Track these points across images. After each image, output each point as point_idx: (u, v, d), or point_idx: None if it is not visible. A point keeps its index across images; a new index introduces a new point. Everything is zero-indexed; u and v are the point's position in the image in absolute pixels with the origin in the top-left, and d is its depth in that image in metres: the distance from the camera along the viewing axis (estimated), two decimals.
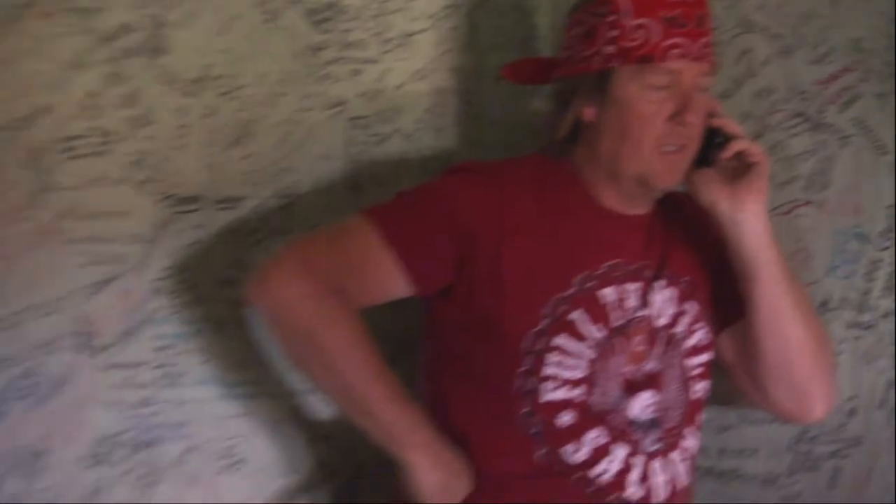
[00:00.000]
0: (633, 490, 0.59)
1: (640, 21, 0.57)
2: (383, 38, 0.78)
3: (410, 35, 0.79)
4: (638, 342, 0.60)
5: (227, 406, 0.70)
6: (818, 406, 0.64)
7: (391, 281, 0.59)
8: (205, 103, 0.67)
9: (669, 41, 0.57)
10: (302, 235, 0.69)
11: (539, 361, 0.57)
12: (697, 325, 0.64)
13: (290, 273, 0.58)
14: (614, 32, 0.57)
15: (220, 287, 0.69)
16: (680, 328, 0.63)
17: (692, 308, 0.64)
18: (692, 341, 0.64)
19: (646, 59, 0.57)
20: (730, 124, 0.62)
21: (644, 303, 0.61)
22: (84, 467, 0.63)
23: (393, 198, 0.63)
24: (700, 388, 0.64)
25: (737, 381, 0.68)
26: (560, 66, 0.63)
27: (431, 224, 0.60)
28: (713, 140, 0.62)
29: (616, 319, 0.59)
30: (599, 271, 0.60)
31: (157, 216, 0.65)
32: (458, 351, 0.61)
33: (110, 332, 0.63)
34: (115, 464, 0.64)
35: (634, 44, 0.57)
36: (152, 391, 0.66)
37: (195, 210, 0.67)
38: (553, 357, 0.57)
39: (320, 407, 0.74)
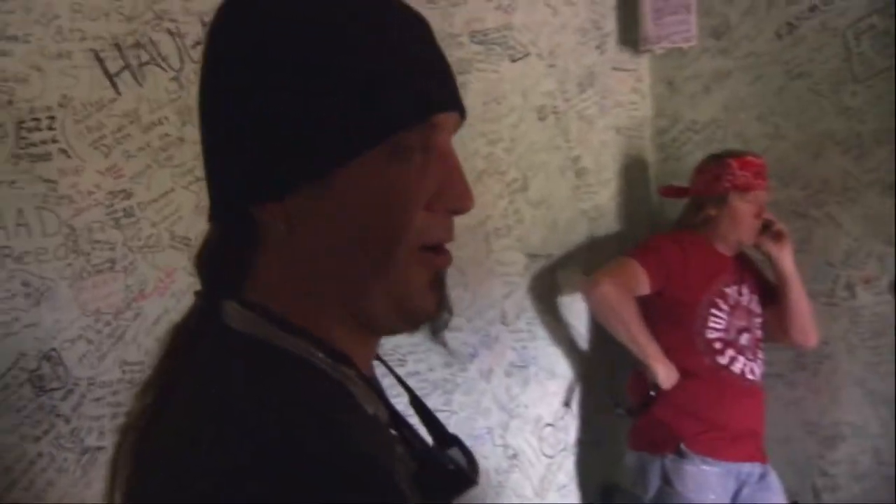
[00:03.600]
0: (750, 377, 2.06)
1: None
2: None
3: None
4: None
5: None
6: (812, 340, 2.14)
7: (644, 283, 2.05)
8: None
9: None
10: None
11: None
12: (758, 305, 2.16)
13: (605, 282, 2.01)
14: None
15: None
16: (754, 306, 2.14)
17: (755, 297, 2.15)
18: (758, 311, 2.15)
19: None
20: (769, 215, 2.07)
21: (741, 293, 2.11)
22: None
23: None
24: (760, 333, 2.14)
25: (771, 330, 2.16)
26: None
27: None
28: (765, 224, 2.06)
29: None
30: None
31: None
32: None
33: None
34: None
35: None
36: None
37: None
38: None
39: None
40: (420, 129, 0.59)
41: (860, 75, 2.12)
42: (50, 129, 1.31)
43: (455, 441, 0.71)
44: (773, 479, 2.10)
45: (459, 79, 1.95)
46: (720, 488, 2.04)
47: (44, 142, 1.31)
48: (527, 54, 2.18)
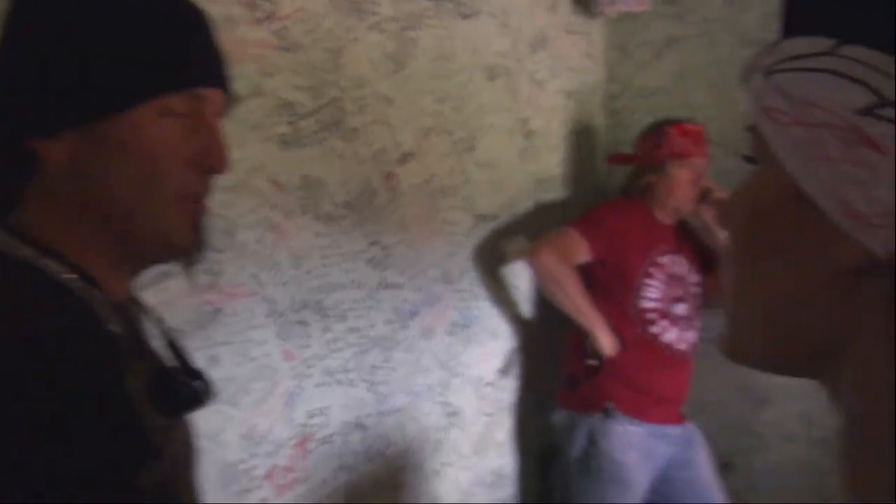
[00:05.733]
0: (680, 346, 2.11)
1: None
2: None
3: None
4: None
5: None
6: None
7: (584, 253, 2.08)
8: None
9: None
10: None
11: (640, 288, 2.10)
12: (696, 275, 2.19)
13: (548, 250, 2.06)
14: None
15: None
16: (691, 276, 2.19)
17: (692, 266, 2.19)
18: (695, 281, 2.19)
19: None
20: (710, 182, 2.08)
21: (677, 263, 2.14)
22: None
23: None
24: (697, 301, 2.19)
25: (710, 297, 2.17)
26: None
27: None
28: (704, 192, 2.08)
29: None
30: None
31: None
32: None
33: None
34: None
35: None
36: None
37: None
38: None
39: None
40: (185, 96, 0.72)
41: None
42: None
43: (198, 375, 0.83)
44: (698, 438, 2.18)
45: (409, 34, 1.94)
46: (643, 447, 2.11)
47: None
48: (478, 12, 2.15)
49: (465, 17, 2.11)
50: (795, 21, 0.43)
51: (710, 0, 2.31)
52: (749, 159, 0.47)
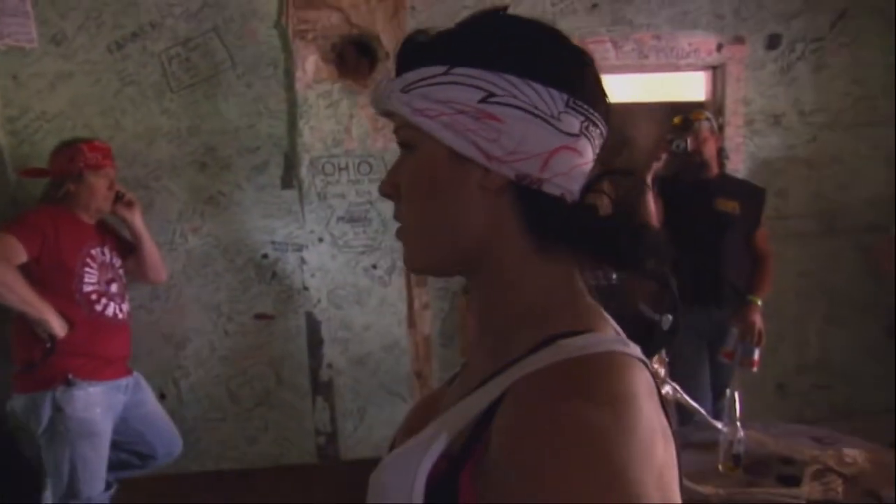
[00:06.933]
0: (120, 316, 2.61)
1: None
2: None
3: None
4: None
5: None
6: (163, 277, 2.86)
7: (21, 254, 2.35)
8: None
9: None
10: None
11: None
12: (118, 259, 2.69)
13: None
14: None
15: None
16: (115, 261, 2.66)
17: (115, 253, 2.68)
18: (119, 264, 2.69)
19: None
20: (121, 188, 2.63)
21: (104, 253, 2.60)
22: None
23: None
24: (124, 280, 2.73)
25: (133, 274, 2.79)
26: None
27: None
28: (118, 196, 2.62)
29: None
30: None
31: None
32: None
33: None
34: None
35: None
36: None
37: None
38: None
39: None
40: None
41: (174, 87, 2.93)
42: None
43: None
44: (142, 382, 2.76)
45: None
46: (104, 401, 2.54)
47: None
48: None
49: None
50: (408, 62, 0.63)
51: (93, 45, 2.83)
52: (405, 146, 0.64)
